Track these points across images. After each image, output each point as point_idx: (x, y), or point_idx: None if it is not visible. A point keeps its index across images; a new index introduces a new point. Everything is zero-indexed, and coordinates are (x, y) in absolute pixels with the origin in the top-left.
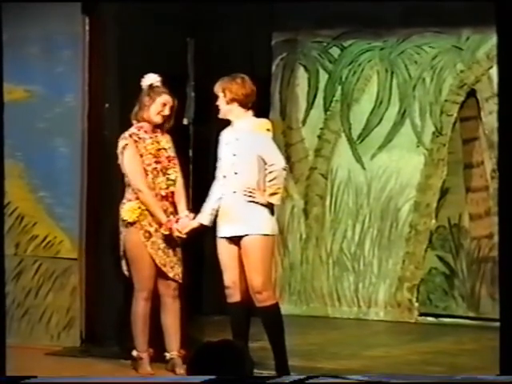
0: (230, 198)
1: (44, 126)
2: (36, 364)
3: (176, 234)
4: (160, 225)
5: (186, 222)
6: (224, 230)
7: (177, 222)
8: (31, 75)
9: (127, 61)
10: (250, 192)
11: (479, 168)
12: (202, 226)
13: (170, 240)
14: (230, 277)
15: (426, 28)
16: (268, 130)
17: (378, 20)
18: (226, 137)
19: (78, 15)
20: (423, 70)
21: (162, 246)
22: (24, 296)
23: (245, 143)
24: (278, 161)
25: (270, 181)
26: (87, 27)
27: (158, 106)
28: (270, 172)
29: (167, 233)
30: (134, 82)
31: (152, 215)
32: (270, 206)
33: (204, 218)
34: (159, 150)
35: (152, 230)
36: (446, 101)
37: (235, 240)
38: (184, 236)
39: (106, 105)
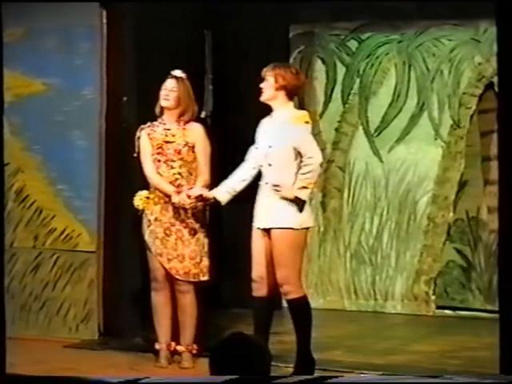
0: (263, 189)
1: (62, 119)
2: (54, 356)
3: (184, 199)
4: (168, 206)
5: (196, 190)
6: (256, 221)
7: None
8: (49, 68)
9: (145, 54)
10: (277, 186)
11: (497, 161)
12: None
13: (169, 231)
14: (257, 271)
15: (444, 20)
16: (307, 122)
17: (396, 12)
18: (264, 125)
19: (95, 8)
20: (441, 63)
21: (161, 235)
22: (42, 288)
23: (281, 135)
24: (316, 154)
25: (304, 174)
26: (105, 20)
27: (163, 91)
28: (306, 165)
29: (177, 200)
30: (151, 75)
31: (162, 203)
32: (300, 200)
33: (220, 193)
34: (167, 142)
35: (152, 218)
36: (464, 93)
37: (266, 232)
38: (192, 202)
39: (124, 98)
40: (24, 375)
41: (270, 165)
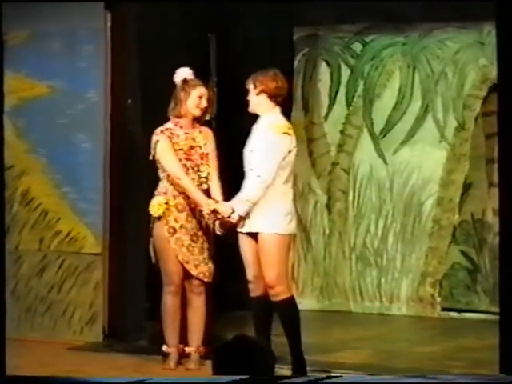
0: None
1: (66, 122)
2: (58, 359)
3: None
4: (193, 212)
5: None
6: (242, 225)
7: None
8: (54, 71)
9: (149, 56)
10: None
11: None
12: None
13: (195, 238)
14: (250, 271)
15: (448, 23)
16: (285, 133)
17: (400, 15)
18: (253, 131)
19: (100, 11)
20: (445, 65)
21: (187, 243)
22: (47, 291)
23: (260, 140)
24: (264, 173)
25: (247, 188)
26: (109, 23)
27: (195, 99)
28: (253, 180)
29: (208, 211)
30: (156, 78)
31: (189, 210)
32: (286, 204)
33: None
34: (192, 147)
35: (177, 226)
36: (468, 96)
37: (253, 235)
38: (226, 218)
39: (128, 100)
40: (24, 376)
41: (251, 169)
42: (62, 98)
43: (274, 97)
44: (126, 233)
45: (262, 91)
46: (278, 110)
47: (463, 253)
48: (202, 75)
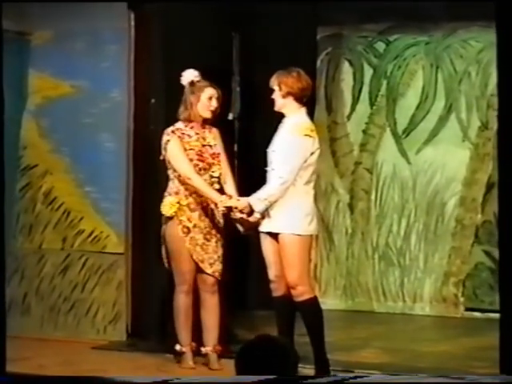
0: None
1: (90, 121)
2: (82, 358)
3: (234, 209)
4: (205, 211)
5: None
6: (263, 225)
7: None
8: (77, 70)
9: (173, 56)
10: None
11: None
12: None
13: (209, 236)
14: (273, 271)
15: (472, 22)
16: (306, 135)
17: (424, 14)
18: (278, 131)
19: (123, 10)
20: (469, 65)
21: (201, 241)
22: (70, 290)
23: (282, 141)
24: (282, 171)
25: (267, 188)
26: (133, 22)
27: (205, 102)
28: (273, 181)
29: (223, 209)
30: (179, 77)
31: (200, 208)
32: (307, 205)
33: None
34: (204, 146)
35: (191, 225)
36: (492, 95)
37: (274, 235)
38: (243, 212)
39: (152, 100)
40: (24, 374)
41: (273, 169)
42: (86, 98)
43: (300, 98)
44: (149, 232)
45: (288, 93)
46: (303, 110)
47: (486, 253)
48: (224, 74)
